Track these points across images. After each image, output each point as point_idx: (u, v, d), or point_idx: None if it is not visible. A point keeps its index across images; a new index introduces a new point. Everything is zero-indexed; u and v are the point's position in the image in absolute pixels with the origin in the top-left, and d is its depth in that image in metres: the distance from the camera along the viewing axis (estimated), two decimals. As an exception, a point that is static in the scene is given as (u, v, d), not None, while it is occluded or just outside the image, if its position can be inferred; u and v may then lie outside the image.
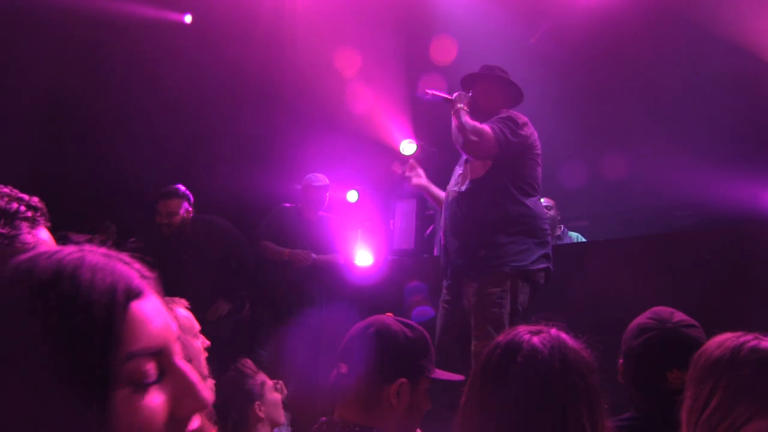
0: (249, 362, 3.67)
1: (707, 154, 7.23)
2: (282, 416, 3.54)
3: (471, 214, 4.08)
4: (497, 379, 1.55)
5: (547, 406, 1.48)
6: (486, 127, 4.06)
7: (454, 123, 4.15)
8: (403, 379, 2.08)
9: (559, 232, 6.44)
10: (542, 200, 6.43)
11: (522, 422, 1.48)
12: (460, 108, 4.13)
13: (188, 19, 8.57)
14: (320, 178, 6.22)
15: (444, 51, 7.07)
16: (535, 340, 1.57)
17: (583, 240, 6.44)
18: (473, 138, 4.04)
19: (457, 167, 4.42)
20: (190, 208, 5.93)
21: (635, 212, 8.03)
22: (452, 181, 4.33)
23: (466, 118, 4.10)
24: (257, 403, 3.41)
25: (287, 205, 6.29)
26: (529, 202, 4.14)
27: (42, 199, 1.72)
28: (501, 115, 4.20)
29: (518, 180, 4.12)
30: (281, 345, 5.80)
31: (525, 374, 1.51)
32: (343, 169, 7.80)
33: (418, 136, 7.06)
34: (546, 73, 7.53)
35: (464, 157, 4.30)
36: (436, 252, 6.89)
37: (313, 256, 5.93)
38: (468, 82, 4.43)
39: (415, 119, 7.66)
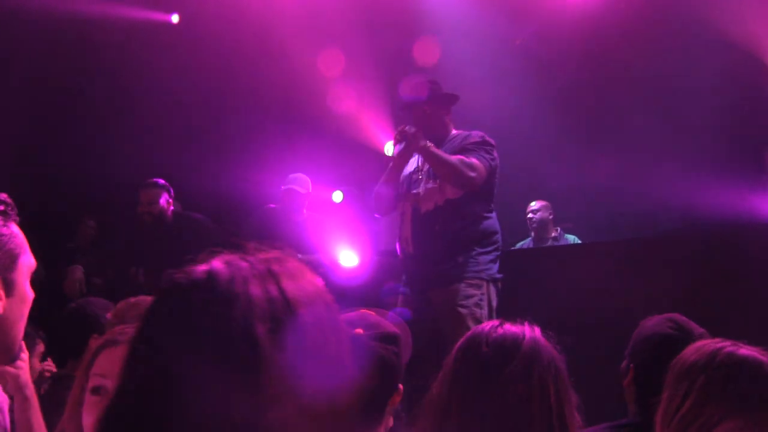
0: None
1: (693, 157, 7.26)
2: None
3: (447, 230, 4.19)
4: (493, 370, 1.61)
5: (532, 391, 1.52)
6: (475, 161, 4.17)
7: (432, 162, 4.21)
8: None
9: (555, 234, 6.45)
10: (533, 203, 6.51)
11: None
12: (428, 145, 4.17)
13: (175, 19, 8.55)
14: (302, 179, 6.22)
15: (427, 52, 7.08)
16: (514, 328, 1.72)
17: (579, 242, 6.46)
18: (471, 174, 4.13)
19: (410, 170, 4.52)
20: (171, 200, 6.08)
21: (619, 215, 8.04)
22: (414, 190, 4.40)
23: (445, 155, 4.19)
24: None
25: (271, 206, 6.28)
26: (493, 215, 4.38)
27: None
28: (475, 140, 4.31)
29: (488, 197, 4.34)
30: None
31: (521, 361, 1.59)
32: (328, 170, 7.79)
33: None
34: (531, 74, 7.56)
35: (424, 166, 4.39)
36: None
37: (298, 256, 5.90)
38: (410, 105, 4.54)
39: (397, 121, 7.68)
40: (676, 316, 2.38)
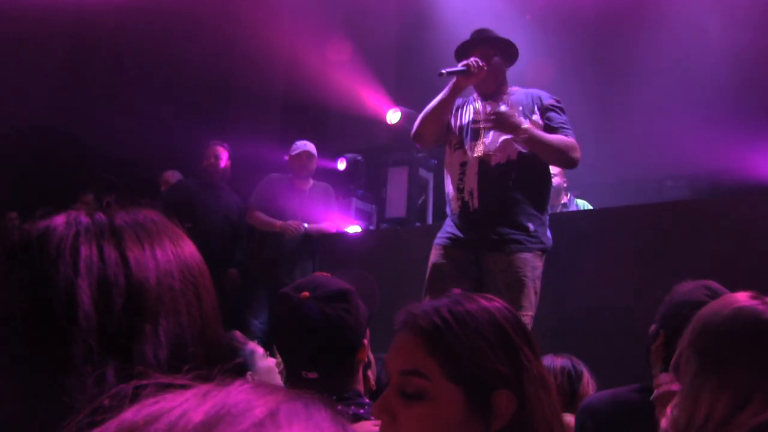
0: (237, 334, 3.61)
1: (700, 123, 7.22)
2: (278, 381, 3.46)
3: (522, 186, 3.93)
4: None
5: None
6: (572, 136, 3.96)
7: (535, 147, 3.88)
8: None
9: (565, 200, 6.39)
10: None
11: None
12: (529, 129, 3.83)
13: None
14: (308, 145, 6.18)
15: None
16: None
17: (590, 207, 6.39)
18: (577, 156, 3.96)
19: (467, 120, 4.11)
20: (229, 165, 6.44)
21: (625, 183, 8.03)
22: (479, 139, 4.01)
23: (546, 137, 3.90)
24: (249, 373, 3.34)
25: (277, 174, 6.26)
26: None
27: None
28: (555, 104, 4.08)
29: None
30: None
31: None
32: (334, 138, 7.75)
33: (401, 104, 7.04)
34: (540, 39, 7.49)
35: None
36: (430, 220, 6.86)
37: (305, 226, 5.90)
38: (473, 50, 4.10)
39: (398, 89, 7.64)
40: (711, 282, 2.33)
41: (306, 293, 1.96)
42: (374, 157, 7.47)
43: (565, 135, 3.95)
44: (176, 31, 8.82)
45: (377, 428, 1.70)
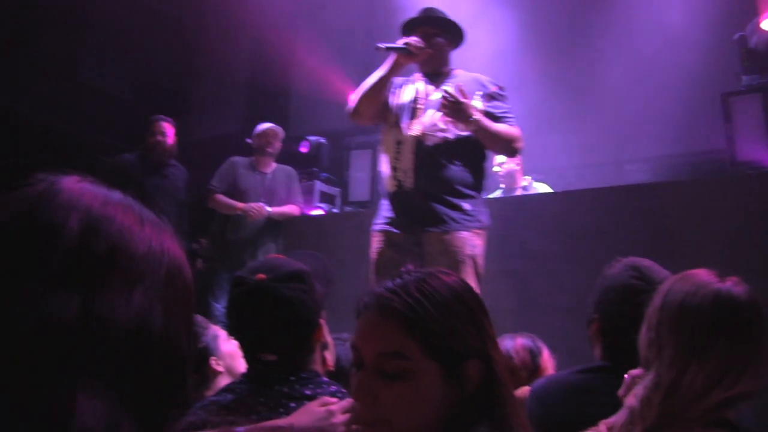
0: (197, 318, 3.55)
1: (660, 108, 7.33)
2: (242, 365, 3.40)
3: (458, 166, 3.87)
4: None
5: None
6: (515, 125, 3.92)
7: (481, 135, 3.81)
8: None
9: (525, 183, 6.43)
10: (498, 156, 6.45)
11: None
12: (479, 119, 3.75)
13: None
14: (272, 127, 6.17)
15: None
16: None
17: (551, 191, 6.41)
18: (519, 146, 3.93)
19: (406, 100, 4.03)
20: (176, 141, 6.25)
21: (588, 166, 8.12)
22: (416, 118, 3.94)
23: (493, 126, 3.83)
24: (212, 358, 3.30)
25: (239, 158, 6.21)
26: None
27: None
28: (499, 92, 4.02)
29: None
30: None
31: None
32: (297, 121, 7.73)
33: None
34: (507, 22, 7.53)
35: (436, 99, 3.91)
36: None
37: (268, 209, 5.88)
38: (413, 30, 4.02)
39: (363, 72, 7.62)
40: (638, 261, 2.31)
41: (262, 275, 1.95)
42: (337, 140, 7.46)
43: (509, 124, 3.92)
44: (140, 10, 8.72)
45: (323, 408, 1.74)
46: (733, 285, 1.70)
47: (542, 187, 6.48)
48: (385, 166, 4.04)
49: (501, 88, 4.05)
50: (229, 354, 3.36)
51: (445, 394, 1.33)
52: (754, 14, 5.48)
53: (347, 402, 1.69)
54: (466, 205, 3.83)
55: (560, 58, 7.94)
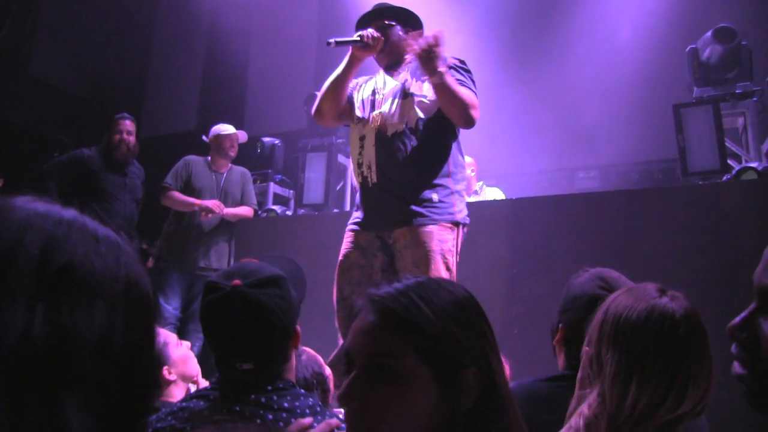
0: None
1: (611, 117, 7.43)
2: (195, 368, 3.33)
3: (423, 155, 3.70)
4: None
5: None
6: (473, 96, 3.72)
7: (443, 93, 3.61)
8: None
9: (476, 188, 6.46)
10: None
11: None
12: (443, 72, 3.55)
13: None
14: (228, 128, 6.12)
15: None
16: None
17: (503, 197, 6.44)
18: (476, 115, 3.71)
19: (367, 94, 3.91)
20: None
21: (538, 173, 8.20)
22: (380, 113, 3.79)
23: (455, 84, 3.63)
24: (165, 367, 3.19)
25: (194, 156, 6.14)
26: (462, 155, 3.95)
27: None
28: (460, 65, 3.85)
29: (456, 130, 3.88)
30: (192, 301, 5.73)
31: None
32: (252, 121, 7.67)
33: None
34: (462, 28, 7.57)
35: (393, 87, 3.83)
36: (347, 206, 6.87)
37: (224, 211, 5.83)
38: (374, 20, 3.88)
39: (319, 73, 7.61)
40: (605, 271, 2.29)
41: (237, 281, 1.88)
42: (292, 141, 7.43)
43: (463, 86, 3.72)
44: (95, 4, 8.60)
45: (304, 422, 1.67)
46: (669, 300, 1.67)
47: (494, 192, 6.53)
48: (352, 164, 3.94)
49: (462, 61, 3.91)
50: (181, 360, 3.26)
51: (440, 404, 1.27)
52: (706, 27, 5.57)
53: (325, 425, 1.62)
54: (434, 196, 3.67)
55: (514, 67, 8.00)
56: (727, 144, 5.07)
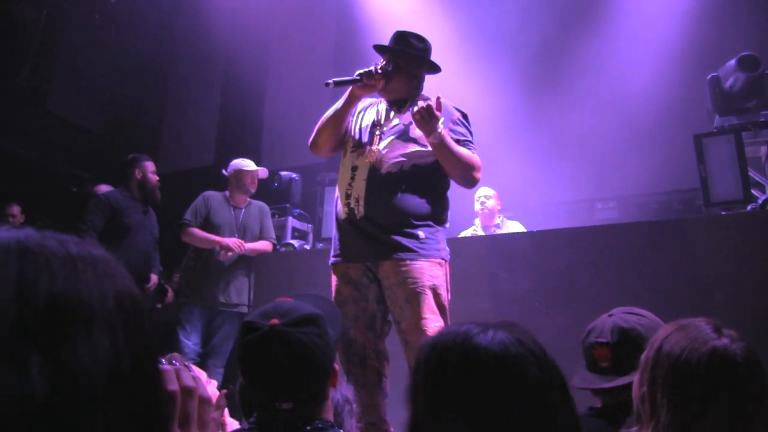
0: (176, 356, 3.42)
1: (629, 148, 7.40)
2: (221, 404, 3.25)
3: (412, 196, 3.69)
4: None
5: None
6: (473, 156, 3.76)
7: (442, 153, 3.66)
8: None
9: (497, 221, 6.45)
10: (484, 189, 6.45)
11: None
12: (443, 132, 3.62)
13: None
14: (249, 164, 6.11)
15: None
16: None
17: (523, 230, 6.41)
18: (478, 176, 3.77)
19: (366, 124, 3.92)
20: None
21: (558, 205, 8.17)
22: (374, 145, 3.79)
23: (457, 148, 3.69)
24: (225, 410, 3.10)
25: (213, 192, 6.13)
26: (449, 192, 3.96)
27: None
28: (463, 120, 3.89)
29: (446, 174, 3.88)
30: (212, 336, 5.72)
31: None
32: (270, 155, 7.68)
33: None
34: (479, 65, 7.59)
35: (395, 125, 3.84)
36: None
37: (244, 246, 5.81)
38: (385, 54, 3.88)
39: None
40: (633, 311, 2.35)
41: (275, 320, 1.88)
42: (310, 175, 7.43)
43: (469, 148, 3.78)
44: (112, 42, 8.68)
45: None
46: (730, 342, 1.61)
47: (515, 225, 6.50)
48: (338, 191, 3.90)
49: (464, 115, 3.93)
50: (215, 398, 3.19)
51: None
52: (723, 56, 5.54)
53: None
54: (420, 234, 3.65)
55: (534, 98, 8.01)
56: (750, 173, 5.01)
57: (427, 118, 3.57)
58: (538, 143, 7.77)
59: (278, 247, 6.41)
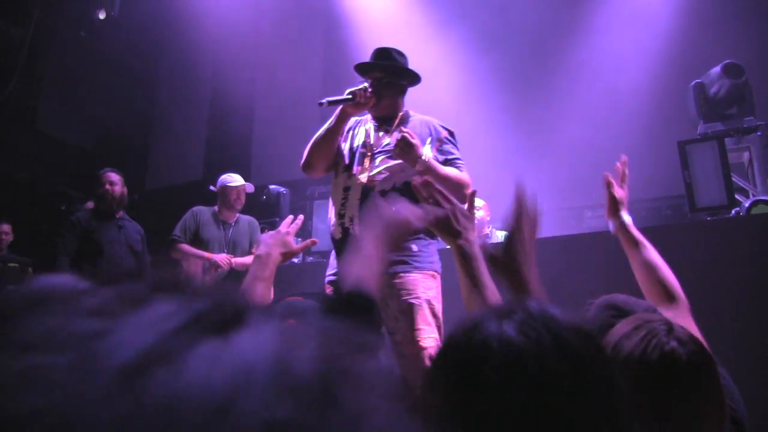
0: None
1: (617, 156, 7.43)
2: None
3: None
4: None
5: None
6: (464, 170, 3.83)
7: (431, 175, 3.48)
8: None
9: (487, 231, 6.47)
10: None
11: None
12: (427, 159, 3.67)
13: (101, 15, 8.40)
14: (235, 179, 6.12)
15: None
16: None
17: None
18: (468, 193, 3.78)
19: (355, 144, 3.97)
20: (126, 191, 6.02)
21: (547, 213, 8.18)
22: (366, 165, 3.86)
23: (442, 170, 3.72)
24: None
25: (201, 207, 6.14)
26: None
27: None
28: (450, 138, 3.94)
29: None
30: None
31: None
32: (258, 169, 7.68)
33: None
34: (470, 72, 7.61)
35: (384, 145, 3.88)
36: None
37: (233, 260, 5.81)
38: (376, 74, 3.95)
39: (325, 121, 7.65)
40: (612, 298, 2.23)
41: (291, 322, 1.85)
42: (299, 189, 7.43)
43: (458, 168, 3.84)
44: (100, 59, 8.69)
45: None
46: (678, 344, 1.57)
47: (503, 236, 6.51)
48: (330, 212, 3.96)
49: (451, 133, 3.98)
50: None
51: None
52: (705, 64, 5.59)
53: None
54: (413, 247, 3.70)
55: (519, 107, 8.04)
56: (733, 179, 5.05)
57: (407, 149, 3.63)
58: (526, 152, 7.80)
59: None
